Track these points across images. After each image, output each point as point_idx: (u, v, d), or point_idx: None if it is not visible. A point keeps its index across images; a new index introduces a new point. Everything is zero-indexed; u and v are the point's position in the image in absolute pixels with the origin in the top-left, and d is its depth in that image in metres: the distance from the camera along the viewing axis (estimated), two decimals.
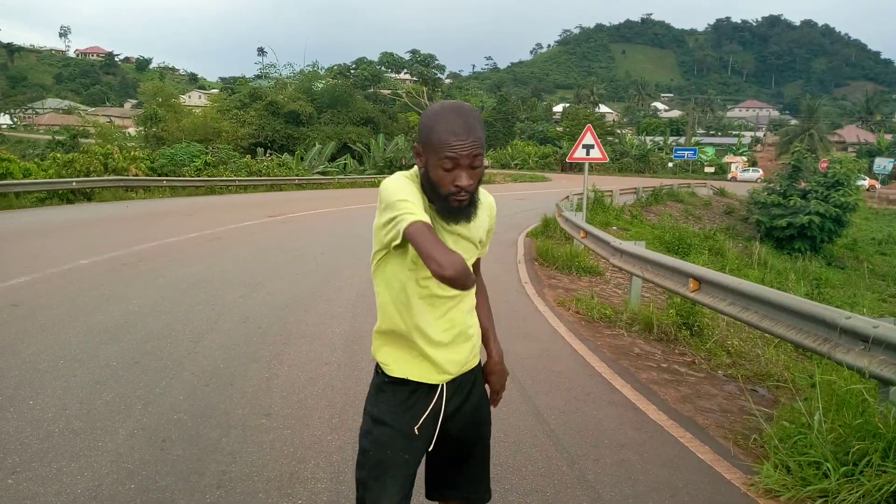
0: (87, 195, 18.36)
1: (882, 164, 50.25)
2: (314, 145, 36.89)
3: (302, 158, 34.36)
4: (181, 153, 26.81)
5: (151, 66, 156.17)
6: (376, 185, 32.51)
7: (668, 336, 6.11)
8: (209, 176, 24.72)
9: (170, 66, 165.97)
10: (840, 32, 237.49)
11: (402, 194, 1.60)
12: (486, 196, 1.85)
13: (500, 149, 65.42)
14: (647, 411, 4.15)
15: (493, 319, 2.01)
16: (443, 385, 1.80)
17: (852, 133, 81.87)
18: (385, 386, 1.81)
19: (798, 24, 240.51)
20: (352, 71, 54.31)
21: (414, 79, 59.97)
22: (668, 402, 4.39)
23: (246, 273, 8.05)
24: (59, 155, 21.16)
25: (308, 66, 50.00)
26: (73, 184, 17.75)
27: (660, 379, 4.92)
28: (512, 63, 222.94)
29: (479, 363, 1.94)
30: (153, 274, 7.75)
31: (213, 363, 4.65)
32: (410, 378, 1.77)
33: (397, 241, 1.57)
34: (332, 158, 37.06)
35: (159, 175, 23.91)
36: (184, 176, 24.32)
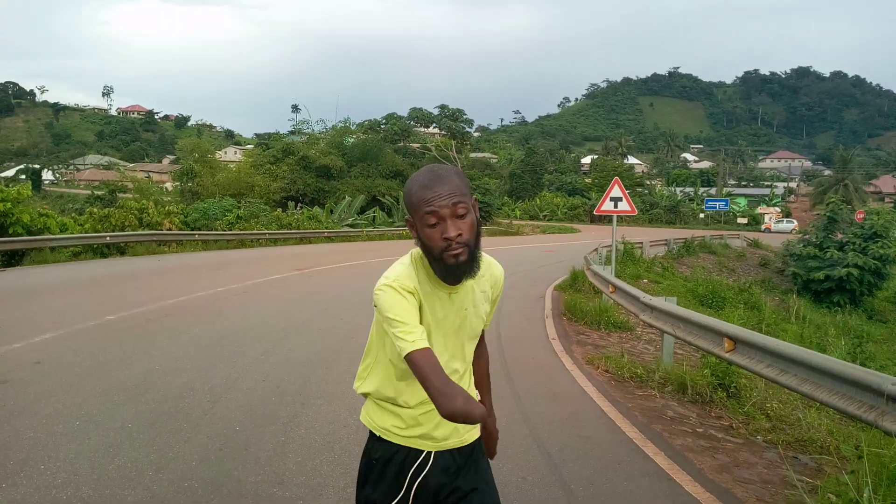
0: (120, 249, 18.73)
1: None
2: (344, 198, 37.40)
3: (332, 211, 34.82)
4: (214, 207, 27.35)
5: (190, 124, 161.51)
6: (404, 237, 32.70)
7: (703, 398, 5.83)
8: (241, 229, 25.11)
9: (207, 123, 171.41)
10: (871, 83, 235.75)
11: (395, 311, 1.62)
12: (495, 267, 1.85)
13: (528, 200, 65.63)
14: (681, 482, 3.90)
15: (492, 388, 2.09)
16: (432, 454, 1.78)
17: (888, 183, 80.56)
18: (373, 467, 1.83)
19: (828, 75, 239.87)
20: (382, 126, 55.39)
21: (443, 132, 60.88)
22: (705, 472, 4.13)
23: (269, 328, 8.00)
24: (95, 210, 21.73)
25: (340, 121, 51.07)
26: (107, 238, 18.14)
27: (695, 445, 4.66)
28: (540, 116, 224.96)
29: (479, 441, 1.90)
30: (178, 330, 7.73)
31: (229, 425, 4.53)
32: (395, 442, 1.79)
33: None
34: (362, 211, 37.49)
35: (192, 229, 24.35)
36: (216, 230, 24.74)
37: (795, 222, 55.33)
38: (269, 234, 25.35)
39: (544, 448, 4.34)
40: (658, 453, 4.37)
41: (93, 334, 7.37)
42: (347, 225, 33.59)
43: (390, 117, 56.44)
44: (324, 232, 28.89)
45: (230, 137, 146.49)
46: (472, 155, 69.36)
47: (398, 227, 35.59)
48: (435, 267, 1.67)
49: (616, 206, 12.12)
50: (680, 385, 6.02)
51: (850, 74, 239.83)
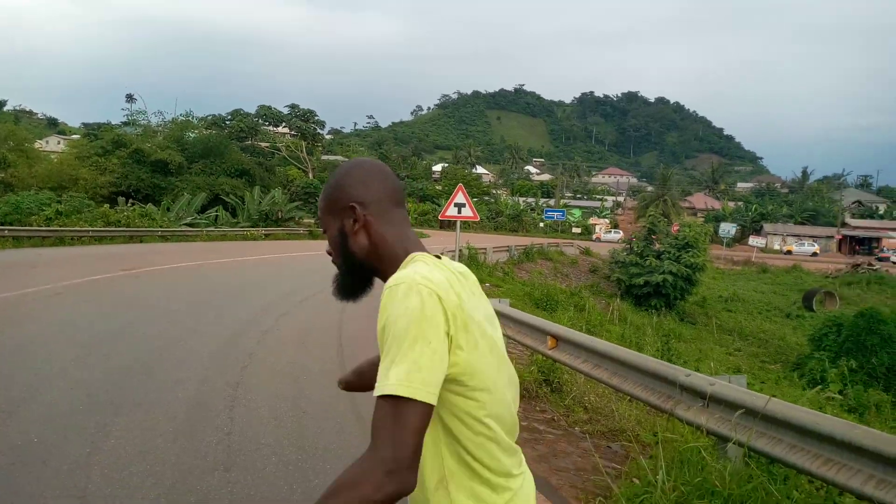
0: None
1: (727, 228, 55.35)
2: (183, 196, 35.26)
3: (168, 209, 32.67)
4: (28, 201, 24.63)
5: (6, 109, 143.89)
6: (248, 237, 31.45)
7: (529, 393, 6.13)
8: (60, 226, 22.82)
9: (27, 109, 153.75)
10: (689, 110, 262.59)
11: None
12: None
13: None
14: None
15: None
16: None
17: (701, 200, 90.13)
18: None
19: (653, 100, 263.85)
20: (227, 122, 52.96)
21: (293, 133, 59.40)
22: None
23: (84, 333, 7.33)
24: None
25: (181, 114, 47.86)
26: None
27: (518, 438, 4.88)
28: (393, 122, 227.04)
29: None
30: None
31: (26, 438, 4.08)
32: None
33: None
34: (203, 210, 35.53)
35: (1, 224, 21.77)
36: (31, 225, 22.31)
37: (621, 233, 60.18)
38: (92, 231, 23.25)
39: None
40: None
41: None
42: (186, 224, 31.70)
43: (236, 113, 54.19)
44: (158, 231, 27.03)
45: (53, 126, 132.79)
46: (324, 157, 68.27)
47: (243, 227, 34.18)
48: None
49: (460, 212, 12.49)
50: None
51: (672, 101, 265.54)
